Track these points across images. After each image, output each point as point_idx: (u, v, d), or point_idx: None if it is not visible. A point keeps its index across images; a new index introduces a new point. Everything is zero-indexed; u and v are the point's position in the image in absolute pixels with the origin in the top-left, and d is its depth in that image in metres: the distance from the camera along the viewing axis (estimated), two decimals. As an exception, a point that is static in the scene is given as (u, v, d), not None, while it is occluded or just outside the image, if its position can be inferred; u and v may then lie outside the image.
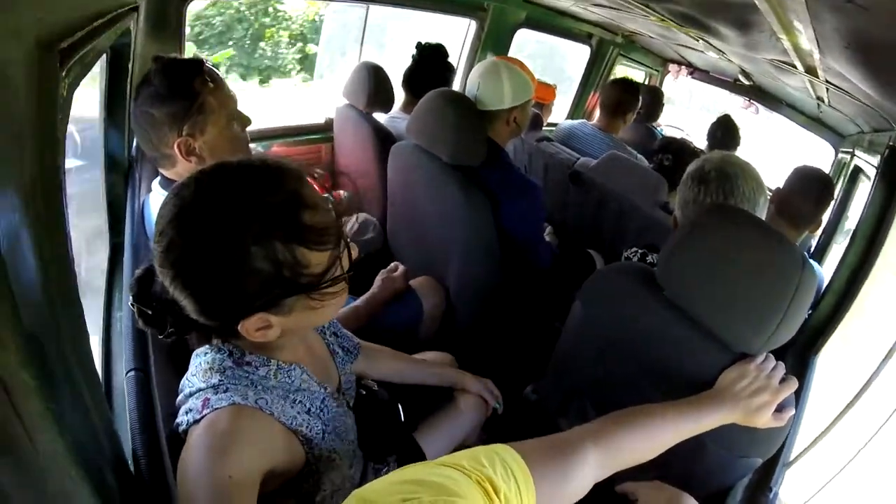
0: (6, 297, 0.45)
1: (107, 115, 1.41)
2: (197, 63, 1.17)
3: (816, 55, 1.29)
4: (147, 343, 0.93)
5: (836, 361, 1.60)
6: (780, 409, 0.88)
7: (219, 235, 0.62)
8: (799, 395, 0.92)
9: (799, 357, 1.51)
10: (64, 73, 0.66)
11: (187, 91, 1.14)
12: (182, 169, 1.16)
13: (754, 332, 0.89)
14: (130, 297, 0.73)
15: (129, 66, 1.39)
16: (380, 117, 2.20)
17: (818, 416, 1.40)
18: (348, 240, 0.73)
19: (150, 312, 0.71)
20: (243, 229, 0.62)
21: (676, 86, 4.04)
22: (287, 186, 0.66)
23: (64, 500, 0.54)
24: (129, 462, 0.78)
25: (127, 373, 0.89)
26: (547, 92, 2.78)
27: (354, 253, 0.74)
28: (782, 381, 0.90)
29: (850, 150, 2.64)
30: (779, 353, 0.94)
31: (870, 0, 0.71)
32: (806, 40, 1.18)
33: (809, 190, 1.88)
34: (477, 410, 1.31)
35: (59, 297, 0.62)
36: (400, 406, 1.21)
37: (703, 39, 2.19)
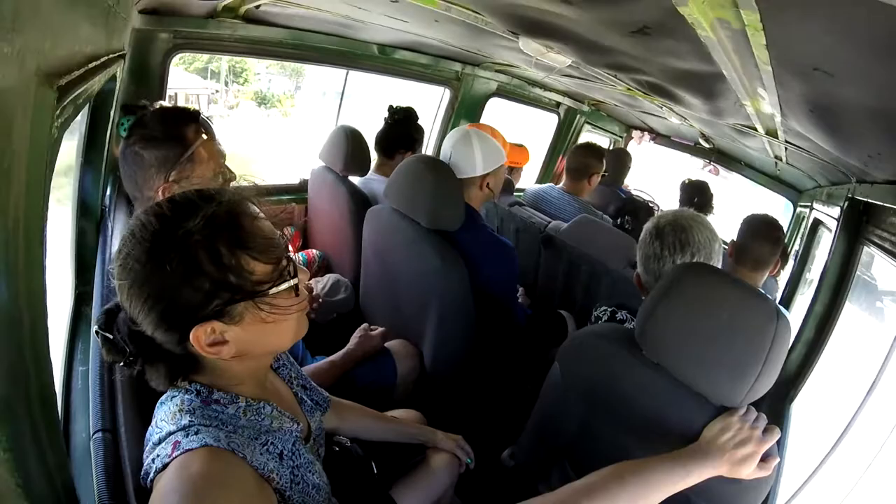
0: None
1: (84, 161, 1.39)
2: (193, 113, 1.21)
3: (778, 118, 1.35)
4: (116, 402, 0.87)
5: (811, 410, 1.61)
6: (764, 458, 0.89)
7: (168, 241, 0.65)
8: (777, 446, 0.93)
9: (774, 408, 1.53)
10: (58, 111, 0.65)
11: (180, 138, 1.16)
12: None
13: (733, 386, 0.91)
14: (95, 326, 0.73)
15: (112, 113, 1.38)
16: (354, 179, 2.21)
17: (799, 466, 1.40)
18: (297, 265, 0.76)
19: (111, 337, 0.71)
20: (190, 234, 0.66)
21: (642, 150, 4.19)
22: (227, 198, 0.71)
23: None
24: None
25: (93, 434, 0.82)
26: (520, 155, 2.83)
27: (304, 278, 0.77)
28: (765, 431, 0.90)
29: (809, 203, 2.75)
30: (754, 406, 0.95)
31: (835, 67, 0.74)
32: (769, 105, 1.24)
33: (760, 233, 2.03)
34: (449, 467, 1.32)
35: (31, 352, 0.58)
36: (373, 463, 1.19)
37: (667, 107, 2.29)
